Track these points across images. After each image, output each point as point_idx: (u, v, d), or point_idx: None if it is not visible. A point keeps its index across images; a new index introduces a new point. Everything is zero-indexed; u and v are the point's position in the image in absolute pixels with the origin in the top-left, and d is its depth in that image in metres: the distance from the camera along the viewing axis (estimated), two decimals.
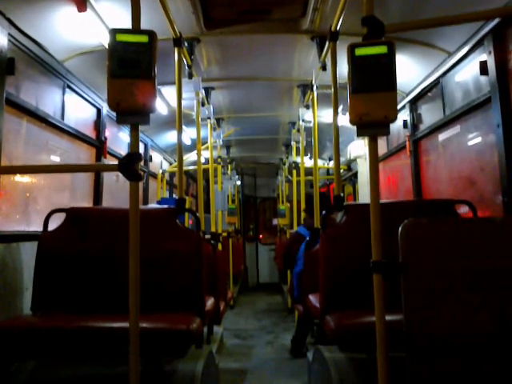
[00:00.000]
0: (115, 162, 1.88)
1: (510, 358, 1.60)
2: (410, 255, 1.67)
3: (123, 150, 5.03)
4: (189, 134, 6.48)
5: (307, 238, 4.47)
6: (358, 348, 2.28)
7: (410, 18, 3.05)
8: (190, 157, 7.36)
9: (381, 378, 1.69)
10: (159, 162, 7.01)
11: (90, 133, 4.12)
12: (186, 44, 3.43)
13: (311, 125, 4.09)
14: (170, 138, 6.60)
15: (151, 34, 1.85)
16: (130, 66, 1.81)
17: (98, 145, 4.20)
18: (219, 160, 6.49)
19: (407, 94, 4.33)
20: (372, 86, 1.75)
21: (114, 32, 1.83)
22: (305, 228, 4.86)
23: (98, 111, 4.25)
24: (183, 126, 3.21)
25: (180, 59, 3.06)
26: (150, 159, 6.26)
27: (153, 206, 5.26)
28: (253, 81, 4.79)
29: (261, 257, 11.92)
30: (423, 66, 3.81)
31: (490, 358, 1.62)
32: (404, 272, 1.65)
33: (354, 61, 1.79)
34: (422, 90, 4.02)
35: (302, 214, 5.44)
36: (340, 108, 3.12)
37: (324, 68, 3.49)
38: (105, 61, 1.82)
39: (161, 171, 6.90)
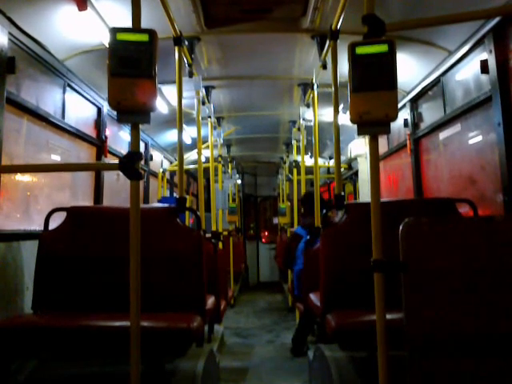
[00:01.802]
0: (116, 160, 1.89)
1: (510, 357, 1.60)
2: (410, 254, 1.67)
3: (124, 149, 5.03)
4: (189, 133, 6.48)
5: (305, 238, 4.50)
6: (359, 347, 2.29)
7: (411, 17, 3.05)
8: (191, 156, 7.37)
9: (381, 376, 1.69)
10: (160, 161, 7.02)
11: (91, 132, 4.12)
12: (186, 43, 3.41)
13: (312, 123, 4.09)
14: (170, 136, 6.60)
15: (151, 32, 1.85)
16: (130, 65, 1.81)
17: (99, 144, 4.20)
18: (220, 159, 6.48)
19: (408, 93, 4.33)
20: (373, 84, 1.75)
21: (115, 31, 1.83)
22: (301, 228, 4.88)
23: (99, 110, 4.25)
24: (184, 125, 3.22)
25: (180, 58, 3.05)
26: (151, 158, 6.27)
27: (155, 205, 5.26)
28: (253, 79, 4.79)
29: (261, 255, 11.92)
30: (424, 65, 3.81)
31: (490, 357, 1.62)
32: (404, 271, 1.65)
33: (354, 59, 1.79)
34: (423, 88, 4.02)
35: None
36: (340, 107, 3.12)
37: (324, 67, 3.48)
38: (105, 60, 1.82)
39: (161, 170, 6.90)
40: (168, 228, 2.71)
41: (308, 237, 4.38)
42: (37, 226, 3.10)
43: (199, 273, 2.60)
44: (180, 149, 3.07)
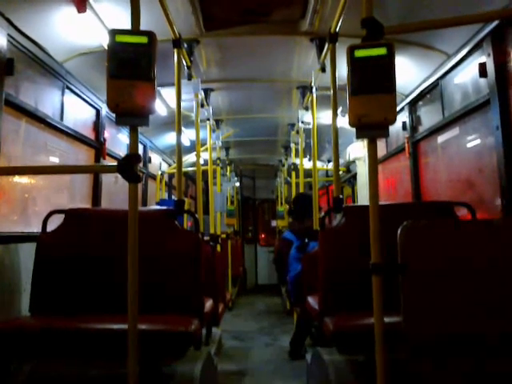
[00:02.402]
0: (114, 163, 1.88)
1: (510, 357, 1.60)
2: (409, 257, 1.67)
3: (122, 152, 5.02)
4: (188, 136, 6.48)
5: (295, 243, 4.47)
6: (357, 350, 2.28)
7: (410, 20, 3.05)
8: (189, 158, 7.36)
9: (379, 380, 1.68)
10: (158, 164, 7.01)
11: (89, 134, 4.11)
12: (185, 45, 3.42)
13: (310, 126, 4.09)
14: (169, 139, 6.59)
15: (151, 34, 1.85)
16: (129, 67, 1.81)
17: (97, 146, 4.19)
18: (218, 161, 6.48)
19: (406, 96, 4.33)
20: (371, 87, 1.76)
21: (114, 33, 1.83)
22: (290, 233, 4.80)
23: (98, 112, 4.24)
24: (182, 128, 3.21)
25: (179, 60, 3.06)
26: (149, 160, 6.26)
27: (153, 207, 5.25)
28: (252, 82, 4.79)
29: (260, 258, 11.89)
30: (422, 68, 3.81)
31: (489, 357, 1.62)
32: (403, 273, 1.65)
33: (353, 62, 1.79)
34: (421, 91, 4.02)
35: None
36: (339, 110, 3.12)
37: (323, 70, 3.49)
38: (104, 62, 1.81)
39: (160, 172, 6.90)
40: (166, 230, 2.70)
41: (299, 242, 4.37)
42: (35, 228, 3.09)
43: (197, 276, 2.59)
44: (179, 151, 3.06)
